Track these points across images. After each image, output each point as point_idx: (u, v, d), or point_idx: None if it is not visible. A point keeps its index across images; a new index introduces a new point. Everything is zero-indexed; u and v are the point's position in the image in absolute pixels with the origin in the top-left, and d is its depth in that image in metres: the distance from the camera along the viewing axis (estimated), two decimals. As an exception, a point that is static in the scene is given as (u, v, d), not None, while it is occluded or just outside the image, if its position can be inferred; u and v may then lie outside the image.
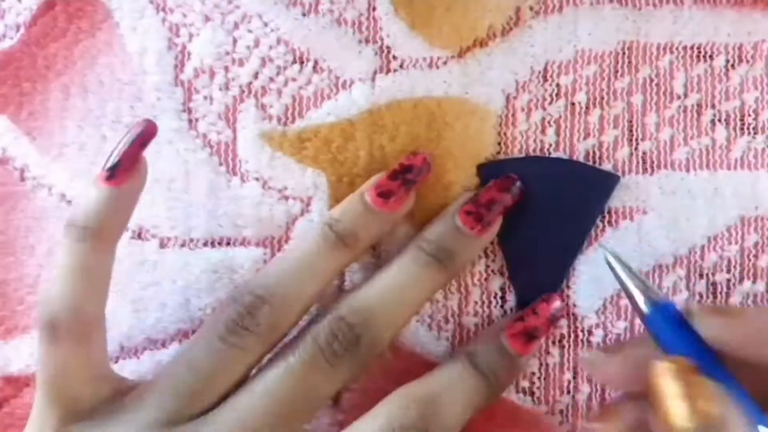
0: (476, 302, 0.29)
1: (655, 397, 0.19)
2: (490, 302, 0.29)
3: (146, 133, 0.25)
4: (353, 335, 0.24)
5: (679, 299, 0.29)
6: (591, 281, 0.29)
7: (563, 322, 0.29)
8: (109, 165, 0.25)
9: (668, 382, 0.19)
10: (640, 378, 0.21)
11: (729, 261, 0.29)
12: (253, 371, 0.25)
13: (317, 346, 0.24)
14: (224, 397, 0.24)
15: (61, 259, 0.25)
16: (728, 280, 0.29)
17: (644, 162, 0.29)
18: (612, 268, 0.23)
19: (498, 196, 0.27)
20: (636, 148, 0.29)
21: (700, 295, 0.29)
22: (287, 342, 0.25)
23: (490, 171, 0.29)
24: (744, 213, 0.29)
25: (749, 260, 0.29)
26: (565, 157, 0.29)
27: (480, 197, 0.27)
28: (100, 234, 0.25)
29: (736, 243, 0.29)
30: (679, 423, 0.18)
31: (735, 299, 0.29)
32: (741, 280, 0.29)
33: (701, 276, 0.29)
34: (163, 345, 0.29)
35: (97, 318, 0.25)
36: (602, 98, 0.29)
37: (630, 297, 0.23)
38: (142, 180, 0.26)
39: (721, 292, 0.29)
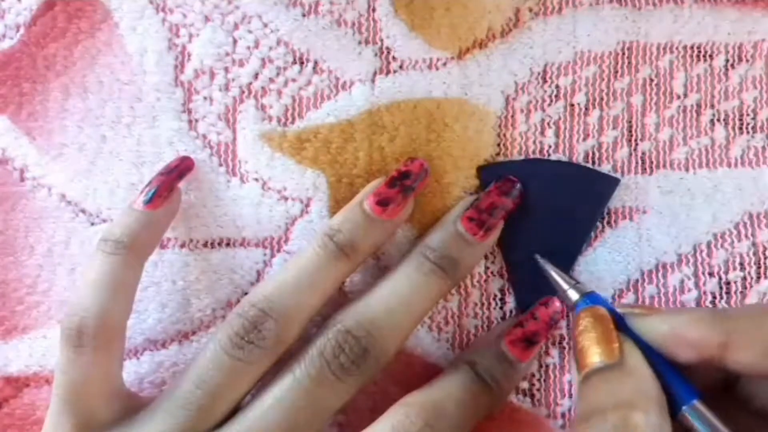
0: (476, 304, 0.29)
1: (575, 338, 0.22)
2: (489, 304, 0.29)
3: (184, 167, 0.28)
4: (360, 348, 0.24)
5: (688, 299, 0.28)
6: (590, 282, 0.28)
7: (563, 323, 0.28)
8: (147, 191, 0.27)
9: (588, 326, 0.22)
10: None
11: (741, 258, 0.28)
12: (260, 384, 0.25)
13: (323, 360, 0.24)
14: (233, 411, 0.25)
15: (93, 270, 0.25)
16: (743, 279, 0.28)
17: (643, 162, 0.29)
18: (543, 269, 0.26)
19: (499, 201, 0.27)
20: (635, 149, 0.29)
21: (712, 295, 0.28)
22: (294, 354, 0.25)
23: (490, 173, 0.28)
24: (750, 209, 0.28)
25: (764, 257, 0.28)
26: (565, 158, 0.29)
27: (481, 202, 0.27)
28: (132, 249, 0.26)
29: (747, 239, 0.28)
30: (591, 359, 0.21)
31: (751, 299, 0.28)
32: (758, 278, 0.28)
33: (711, 275, 0.28)
34: (163, 346, 0.29)
35: (121, 331, 0.26)
36: (602, 99, 0.29)
37: (560, 289, 0.25)
38: (175, 207, 0.28)
39: (735, 292, 0.28)
